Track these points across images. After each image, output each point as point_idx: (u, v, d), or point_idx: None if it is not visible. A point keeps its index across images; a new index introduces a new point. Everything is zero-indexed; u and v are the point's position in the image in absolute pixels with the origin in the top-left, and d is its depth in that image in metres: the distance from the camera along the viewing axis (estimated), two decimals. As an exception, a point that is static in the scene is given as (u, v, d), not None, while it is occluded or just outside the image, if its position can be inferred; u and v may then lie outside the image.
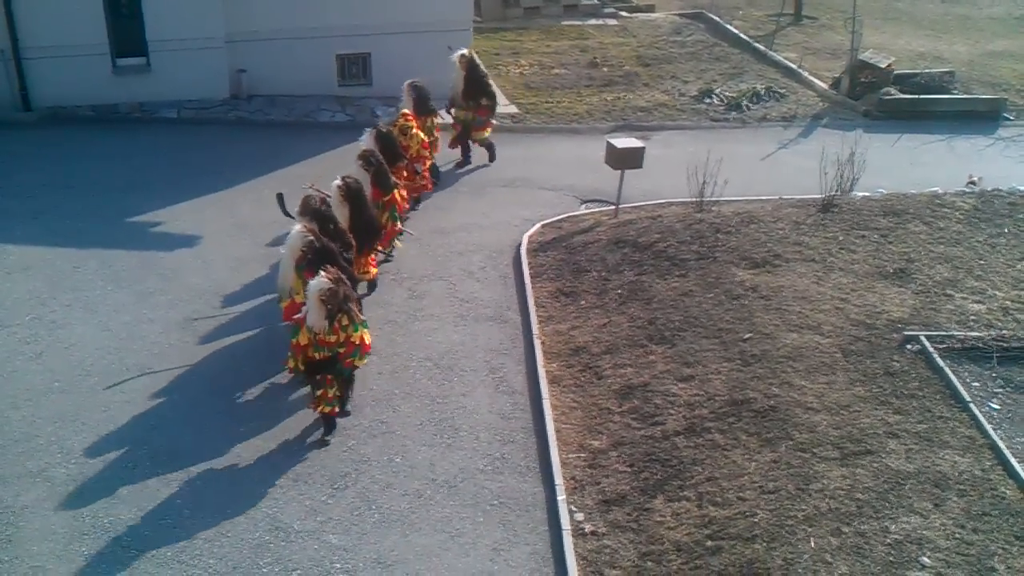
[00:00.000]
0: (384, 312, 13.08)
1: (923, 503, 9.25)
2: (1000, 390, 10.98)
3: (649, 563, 9.09)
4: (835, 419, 10.35)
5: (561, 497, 9.96)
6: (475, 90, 17.40)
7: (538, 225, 16.07)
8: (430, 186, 16.32)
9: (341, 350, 10.35)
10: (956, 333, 11.85)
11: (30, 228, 14.93)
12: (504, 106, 21.72)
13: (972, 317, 12.28)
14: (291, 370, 10.80)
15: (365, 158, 13.21)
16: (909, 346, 11.61)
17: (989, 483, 9.49)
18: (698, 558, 9.02)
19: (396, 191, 13.82)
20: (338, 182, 12.13)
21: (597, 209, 16.89)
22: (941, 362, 11.22)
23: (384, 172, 13.42)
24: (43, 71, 19.21)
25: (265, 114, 20.28)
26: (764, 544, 8.95)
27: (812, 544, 8.85)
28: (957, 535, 8.89)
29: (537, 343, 12.62)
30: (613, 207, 16.43)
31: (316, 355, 10.24)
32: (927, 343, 11.56)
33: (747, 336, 11.95)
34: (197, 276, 13.97)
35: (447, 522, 9.68)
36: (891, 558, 8.66)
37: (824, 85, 23.49)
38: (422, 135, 15.36)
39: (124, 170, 17.31)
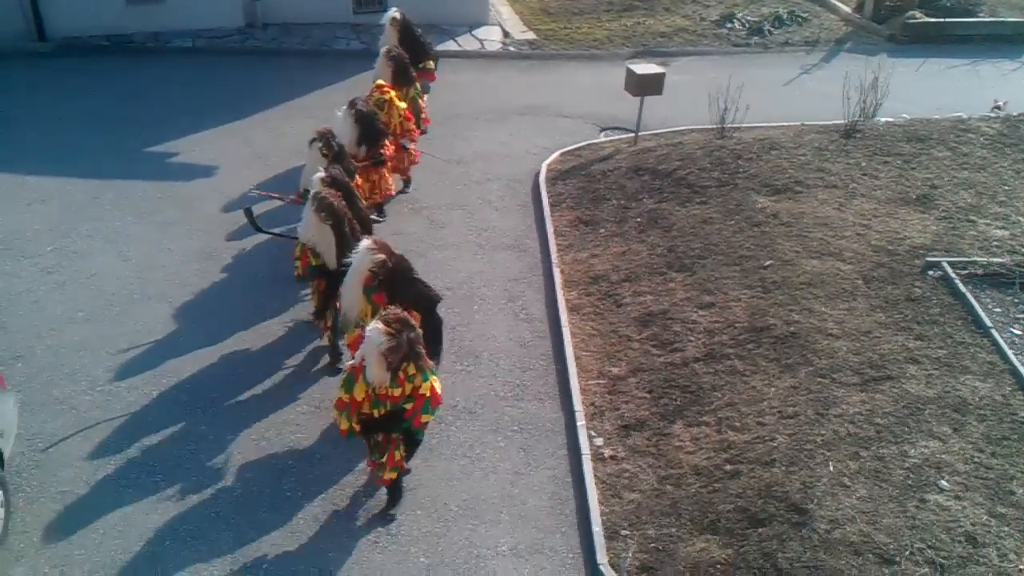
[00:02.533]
0: (403, 241, 13.05)
1: (942, 428, 9.26)
2: (1022, 316, 10.91)
3: (668, 486, 9.17)
4: (855, 345, 10.33)
5: (581, 423, 10.03)
6: (415, 54, 14.77)
7: (557, 153, 15.96)
8: (417, 159, 14.25)
9: (408, 405, 8.31)
10: (979, 259, 11.75)
11: (47, 159, 14.94)
12: (521, 32, 21.47)
13: (995, 243, 12.16)
14: (344, 432, 8.48)
15: (326, 141, 11.42)
16: (931, 272, 11.54)
17: (1009, 408, 9.48)
18: (716, 481, 9.09)
19: (361, 175, 12.10)
20: (321, 174, 10.43)
21: (616, 137, 16.76)
22: (963, 288, 11.15)
23: (344, 158, 11.51)
24: (58, 1, 19.06)
25: (280, 43, 20.13)
26: (783, 468, 9.00)
27: (831, 468, 8.89)
28: (976, 459, 8.91)
29: (556, 271, 12.61)
30: (633, 134, 16.29)
31: (375, 412, 8.33)
32: (949, 269, 11.47)
33: (768, 263, 11.89)
34: (215, 206, 13.97)
35: (468, 447, 9.78)
36: (909, 482, 8.70)
37: (848, 9, 23.06)
38: (402, 104, 13.48)
39: (139, 101, 17.26)
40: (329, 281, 10.28)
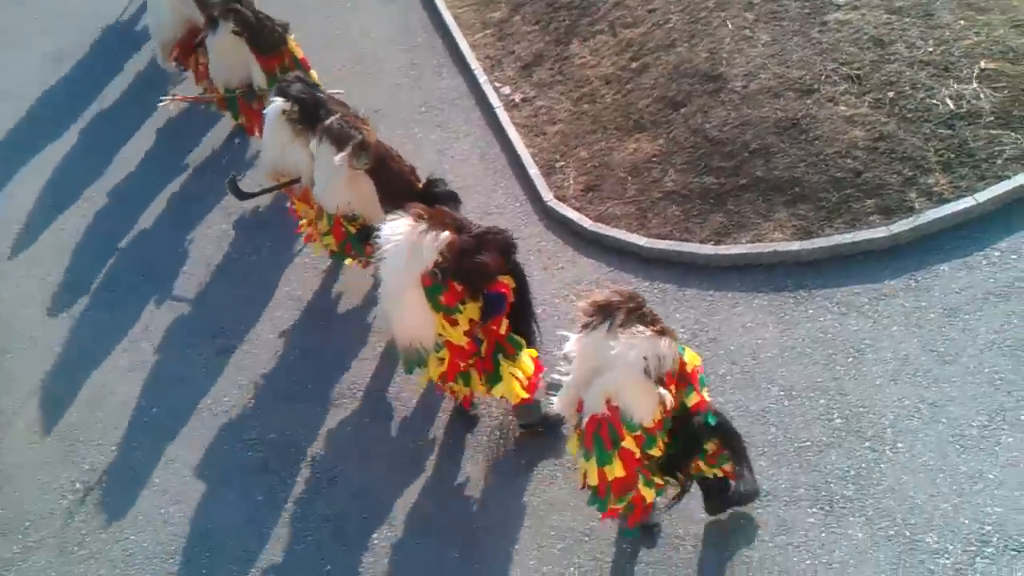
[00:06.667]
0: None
1: (823, -54, 9.14)
2: None
3: (584, 106, 9.18)
4: None
5: (483, 79, 9.87)
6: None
7: None
8: None
9: (690, 400, 5.52)
10: None
11: None
12: None
13: None
14: (646, 510, 5.93)
15: (236, 18, 8.34)
16: None
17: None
18: (628, 83, 9.09)
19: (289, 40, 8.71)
20: (279, 105, 7.25)
21: None
22: None
23: (261, 27, 8.43)
24: None
25: None
26: (686, 45, 8.97)
27: (729, 26, 8.86)
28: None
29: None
30: None
31: (653, 453, 5.52)
32: None
33: None
34: None
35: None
36: (807, 11, 8.67)
37: None
38: None
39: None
40: None
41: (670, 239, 7.97)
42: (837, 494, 6.19)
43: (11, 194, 10.31)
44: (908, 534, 5.92)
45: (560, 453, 6.85)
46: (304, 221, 8.04)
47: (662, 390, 5.18)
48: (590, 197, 8.53)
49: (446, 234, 5.87)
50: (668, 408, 5.27)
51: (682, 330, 7.29)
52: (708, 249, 7.78)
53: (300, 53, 8.79)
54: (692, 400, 5.46)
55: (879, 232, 7.42)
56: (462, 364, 6.35)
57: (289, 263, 8.87)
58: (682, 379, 5.43)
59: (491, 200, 8.85)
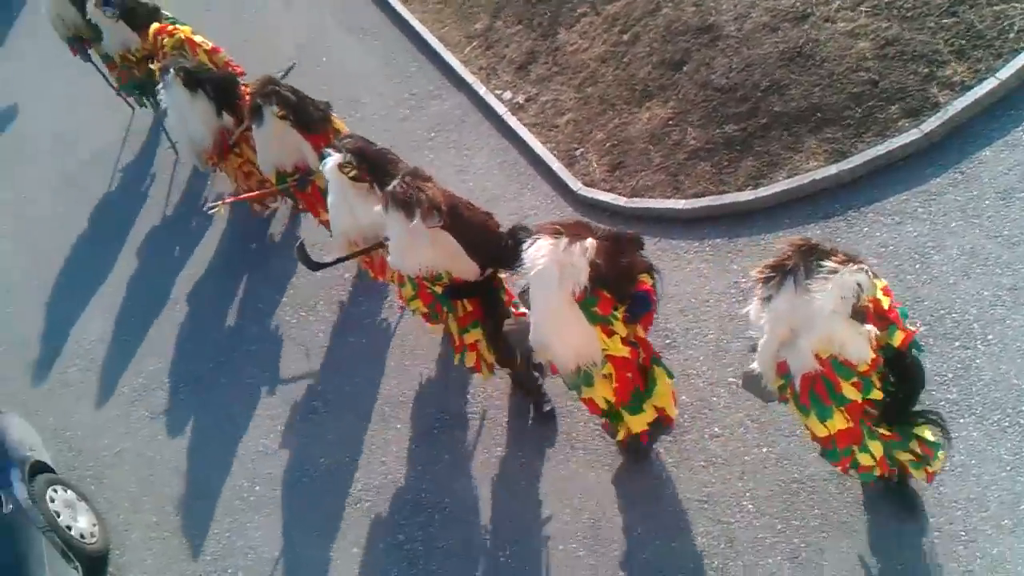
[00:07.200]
0: None
1: None
2: None
3: (588, 89, 9.21)
4: None
5: (482, 90, 9.93)
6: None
7: None
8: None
9: (896, 338, 5.18)
10: None
11: None
12: None
13: None
14: (884, 470, 5.58)
15: (279, 100, 8.06)
16: None
17: None
18: (624, 56, 9.12)
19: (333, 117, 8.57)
20: (335, 160, 6.99)
21: None
22: None
23: (305, 104, 8.23)
24: None
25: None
26: (670, 5, 9.02)
27: (709, -24, 8.89)
28: None
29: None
30: None
31: (874, 398, 5.26)
32: None
33: None
34: None
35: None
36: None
37: None
38: (201, 38, 9.77)
39: None
40: (481, 294, 6.85)
41: (708, 195, 7.98)
42: (941, 399, 6.16)
43: (83, 320, 10.38)
44: (1022, 421, 5.90)
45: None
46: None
47: (867, 326, 4.99)
48: (619, 175, 8.55)
49: (590, 240, 5.59)
50: (875, 343, 5.03)
51: (744, 280, 7.28)
52: (748, 195, 7.78)
53: (345, 130, 8.55)
54: (897, 339, 5.18)
55: (912, 135, 7.39)
56: (630, 375, 6.07)
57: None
58: (881, 318, 5.15)
59: (523, 204, 8.88)
